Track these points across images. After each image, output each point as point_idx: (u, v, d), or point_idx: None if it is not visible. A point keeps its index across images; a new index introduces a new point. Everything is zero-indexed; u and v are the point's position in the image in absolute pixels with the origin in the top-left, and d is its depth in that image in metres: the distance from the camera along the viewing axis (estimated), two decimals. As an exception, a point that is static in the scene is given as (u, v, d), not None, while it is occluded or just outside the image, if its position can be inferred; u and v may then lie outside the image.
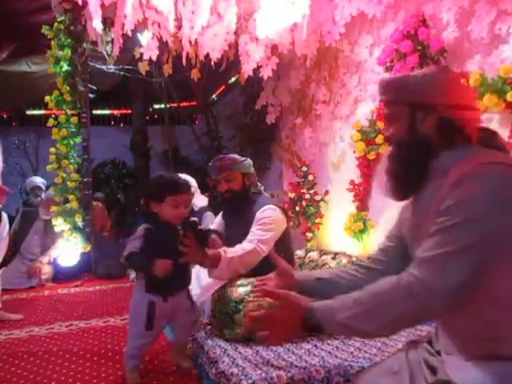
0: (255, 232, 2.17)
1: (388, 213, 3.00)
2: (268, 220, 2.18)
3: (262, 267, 2.07)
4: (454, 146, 1.05)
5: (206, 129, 6.58)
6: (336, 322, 1.00)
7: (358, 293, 1.02)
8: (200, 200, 3.73)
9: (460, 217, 0.93)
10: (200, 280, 2.45)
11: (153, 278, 1.67)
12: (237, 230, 2.35)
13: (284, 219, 2.27)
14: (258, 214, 2.22)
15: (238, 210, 2.36)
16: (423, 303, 0.93)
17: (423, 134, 1.07)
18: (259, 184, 2.45)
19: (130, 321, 1.86)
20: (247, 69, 3.40)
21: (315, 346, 1.74)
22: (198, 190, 3.84)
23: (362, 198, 3.52)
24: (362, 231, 3.39)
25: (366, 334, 1.05)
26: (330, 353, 1.63)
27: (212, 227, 2.50)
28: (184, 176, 3.77)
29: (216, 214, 3.71)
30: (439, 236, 0.95)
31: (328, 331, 1.09)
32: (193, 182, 3.73)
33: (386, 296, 0.97)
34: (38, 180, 4.92)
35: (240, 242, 2.22)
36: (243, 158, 2.34)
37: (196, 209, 3.64)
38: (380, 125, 3.22)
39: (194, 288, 2.43)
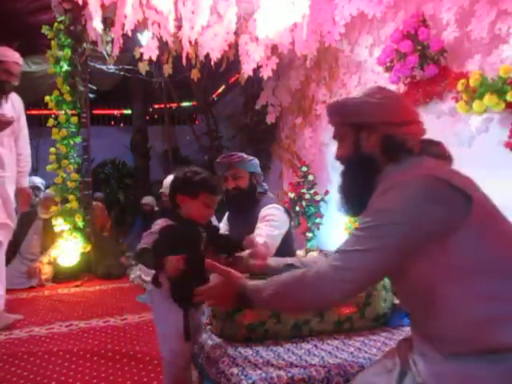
0: (263, 228, 2.14)
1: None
2: (274, 217, 2.17)
3: None
4: (397, 160, 1.11)
5: (206, 129, 6.58)
6: (260, 298, 1.18)
7: (285, 275, 1.15)
8: None
9: (374, 221, 1.02)
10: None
11: (177, 284, 1.52)
12: (241, 229, 2.33)
13: (287, 219, 2.27)
14: (263, 211, 2.20)
15: (243, 209, 2.34)
16: (325, 293, 1.06)
17: (367, 152, 1.15)
18: (264, 184, 2.46)
19: (164, 337, 1.67)
20: (247, 69, 3.40)
21: (315, 345, 1.74)
22: None
23: (361, 197, 3.51)
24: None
25: (286, 311, 1.30)
26: (329, 353, 1.63)
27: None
28: None
29: (216, 214, 3.72)
30: (353, 237, 1.06)
31: (256, 306, 1.25)
32: None
33: (300, 279, 1.10)
34: (37, 180, 4.92)
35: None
36: (251, 157, 2.33)
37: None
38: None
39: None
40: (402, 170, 1.08)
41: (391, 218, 1.00)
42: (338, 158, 1.24)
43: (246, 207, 2.31)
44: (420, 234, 0.98)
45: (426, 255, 0.98)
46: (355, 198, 1.18)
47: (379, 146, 1.13)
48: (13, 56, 2.80)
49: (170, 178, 3.75)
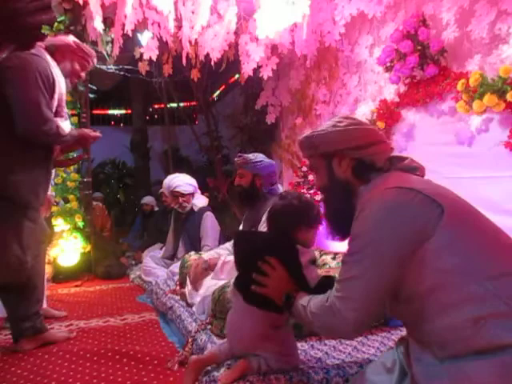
0: None
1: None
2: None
3: None
4: (368, 180, 1.18)
5: (206, 129, 6.59)
6: (298, 312, 1.23)
7: (316, 302, 1.18)
8: (200, 200, 3.73)
9: (354, 247, 1.07)
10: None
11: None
12: (247, 226, 2.53)
13: None
14: (265, 216, 2.27)
15: (246, 206, 2.55)
16: (336, 325, 1.08)
17: (341, 177, 1.22)
18: (278, 185, 2.51)
19: None
20: (247, 69, 3.41)
21: (312, 346, 1.74)
22: (199, 191, 3.85)
23: (361, 198, 3.52)
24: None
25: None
26: (326, 353, 1.63)
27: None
28: (184, 176, 3.79)
29: (216, 214, 3.73)
30: (343, 265, 1.11)
31: (293, 315, 1.30)
32: (193, 181, 3.74)
33: (318, 307, 1.15)
34: None
35: None
36: (258, 160, 2.44)
37: (196, 209, 3.64)
38: (380, 125, 3.22)
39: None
40: (371, 188, 1.15)
41: (366, 240, 1.05)
42: (318, 188, 1.33)
43: (247, 204, 2.51)
44: (400, 245, 1.01)
45: (409, 265, 1.02)
46: (339, 223, 1.24)
47: (351, 169, 1.20)
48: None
49: (170, 177, 3.76)
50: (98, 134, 2.43)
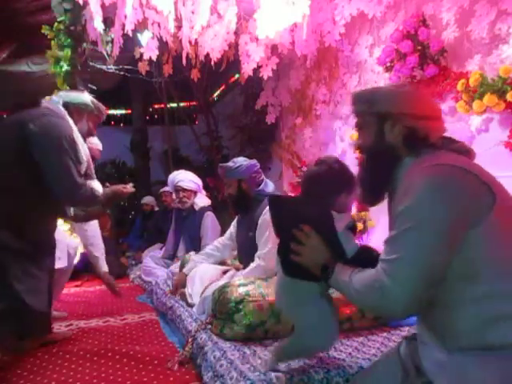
0: (259, 246, 2.32)
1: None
2: (265, 227, 2.27)
3: None
4: (418, 153, 1.12)
5: (205, 129, 6.58)
6: (340, 281, 1.17)
7: (363, 275, 1.11)
8: (202, 200, 3.73)
9: (406, 223, 1.00)
10: (201, 278, 2.47)
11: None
12: (242, 231, 2.54)
13: None
14: (260, 220, 2.29)
15: (240, 212, 2.56)
16: (386, 305, 1.03)
17: (390, 142, 1.15)
18: (268, 182, 2.50)
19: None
20: (247, 69, 3.40)
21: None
22: (203, 191, 3.85)
23: (361, 198, 3.52)
24: (361, 231, 3.39)
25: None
26: (327, 353, 1.63)
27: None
28: (188, 173, 3.79)
29: (216, 214, 3.73)
30: (393, 243, 1.04)
31: (332, 284, 1.23)
32: (197, 180, 3.74)
33: (363, 283, 1.09)
34: None
35: (245, 243, 2.45)
36: (237, 165, 2.42)
37: (197, 208, 3.64)
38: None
39: (196, 286, 2.44)
40: (421, 162, 1.07)
41: (419, 216, 0.99)
42: (359, 146, 1.24)
43: (241, 210, 2.53)
44: (453, 225, 0.97)
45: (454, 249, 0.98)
46: (373, 188, 1.20)
47: (402, 137, 1.13)
48: (96, 143, 3.11)
49: (175, 173, 3.77)
50: (130, 189, 2.41)
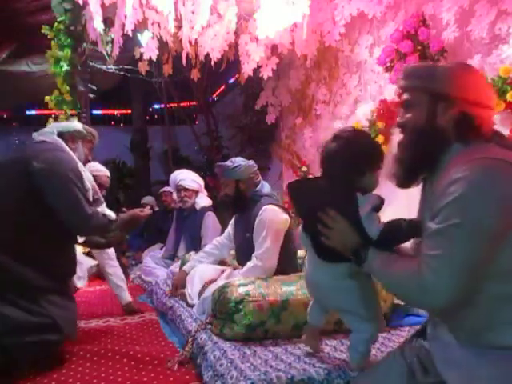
0: (257, 245, 2.29)
1: (388, 213, 3.00)
2: (264, 225, 2.26)
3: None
4: (467, 142, 1.06)
5: (206, 129, 6.58)
6: (374, 266, 1.15)
7: (403, 262, 1.10)
8: (203, 199, 3.73)
9: (457, 218, 0.95)
10: (201, 278, 2.47)
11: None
12: (239, 231, 2.53)
13: (284, 218, 2.30)
14: (258, 217, 2.28)
15: (237, 212, 2.54)
16: (427, 300, 1.01)
17: (441, 125, 1.07)
18: (262, 184, 2.48)
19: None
20: (247, 69, 3.40)
21: (315, 346, 1.74)
22: (205, 192, 3.85)
23: (361, 198, 3.52)
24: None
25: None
26: (328, 353, 1.63)
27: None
28: (190, 172, 3.79)
29: (217, 214, 3.73)
30: (440, 236, 0.98)
31: (365, 268, 1.19)
32: (199, 180, 3.74)
33: (403, 274, 1.06)
34: None
35: (242, 244, 2.44)
36: (235, 165, 2.40)
37: (198, 207, 3.64)
38: (380, 125, 3.22)
39: (196, 286, 2.44)
40: (471, 152, 1.01)
41: (468, 210, 0.94)
42: (402, 125, 1.15)
43: (238, 210, 2.51)
44: (502, 221, 0.94)
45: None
46: (413, 170, 1.14)
47: (454, 122, 1.07)
48: (103, 171, 3.16)
49: (177, 172, 3.77)
50: (147, 211, 2.38)
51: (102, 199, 2.33)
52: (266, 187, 2.50)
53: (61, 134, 2.21)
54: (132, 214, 2.32)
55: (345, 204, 1.25)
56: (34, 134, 2.22)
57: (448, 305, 0.99)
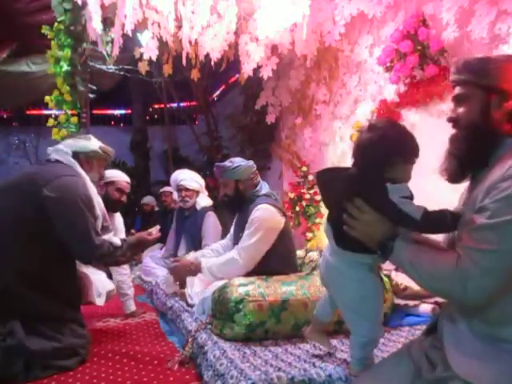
0: (242, 238, 2.29)
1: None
2: (255, 223, 2.25)
3: (263, 266, 2.22)
4: None
5: (205, 129, 6.58)
6: (402, 258, 1.11)
7: (434, 253, 1.08)
8: (204, 199, 3.72)
9: (508, 215, 0.93)
10: (201, 279, 2.47)
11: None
12: (236, 231, 2.54)
13: (278, 219, 2.29)
14: (251, 215, 2.27)
15: (236, 212, 2.53)
16: (463, 294, 0.98)
17: (495, 119, 1.06)
18: (261, 185, 2.47)
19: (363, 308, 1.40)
20: (247, 69, 3.40)
21: (314, 345, 1.74)
22: (206, 192, 3.85)
23: (361, 198, 3.52)
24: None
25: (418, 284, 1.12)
26: (329, 353, 1.63)
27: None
28: (191, 172, 3.79)
29: (217, 214, 3.73)
30: (490, 230, 0.96)
31: (392, 260, 1.16)
32: (199, 180, 3.74)
33: (440, 266, 1.03)
34: None
35: (237, 243, 2.39)
36: (235, 166, 2.39)
37: (198, 207, 3.64)
38: (380, 125, 3.22)
39: (196, 286, 2.44)
40: None
41: None
42: (455, 120, 1.14)
43: (237, 211, 2.50)
44: None
45: None
46: (465, 165, 1.11)
47: (508, 116, 1.05)
48: (122, 176, 3.03)
49: (178, 171, 3.77)
50: (156, 233, 2.33)
51: (111, 227, 2.30)
52: (264, 187, 2.49)
53: (76, 154, 2.18)
54: (139, 238, 2.29)
55: (373, 193, 1.22)
56: (49, 150, 2.19)
57: (488, 301, 0.97)
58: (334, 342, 1.77)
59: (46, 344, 1.87)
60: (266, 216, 2.26)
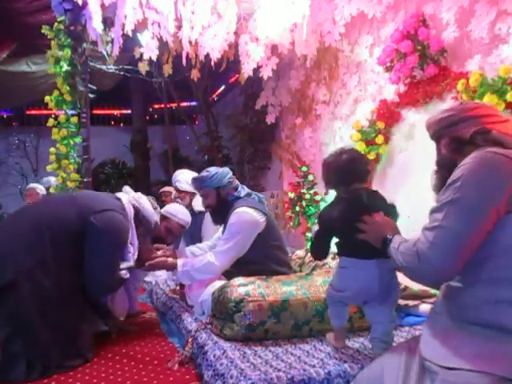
0: (219, 243, 2.30)
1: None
2: (230, 227, 2.25)
3: (253, 267, 2.21)
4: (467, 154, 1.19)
5: (205, 129, 6.58)
6: (392, 250, 1.30)
7: (404, 243, 1.27)
8: (200, 202, 3.71)
9: (452, 195, 1.11)
10: (192, 278, 2.46)
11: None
12: (222, 232, 2.48)
13: (256, 219, 2.27)
14: (229, 221, 2.29)
15: (222, 221, 2.47)
16: (421, 269, 1.15)
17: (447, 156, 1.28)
18: (241, 188, 2.45)
19: None
20: (247, 69, 3.41)
21: (314, 346, 1.74)
22: None
23: (362, 198, 3.52)
24: (361, 231, 3.39)
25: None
26: (329, 354, 1.63)
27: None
28: (188, 174, 3.78)
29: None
30: (437, 211, 1.14)
31: (388, 254, 1.34)
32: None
33: (407, 245, 1.23)
34: (53, 180, 4.92)
35: None
36: (212, 174, 2.38)
37: (195, 210, 3.63)
38: (380, 125, 3.22)
39: (195, 286, 2.44)
40: (479, 150, 1.17)
41: (461, 188, 1.09)
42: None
43: (222, 219, 2.43)
44: (492, 201, 1.05)
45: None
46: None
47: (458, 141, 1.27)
48: (180, 218, 2.71)
49: (177, 172, 3.76)
50: (173, 261, 2.37)
51: (131, 261, 2.30)
52: (244, 189, 2.48)
53: (136, 209, 2.34)
54: (158, 263, 2.37)
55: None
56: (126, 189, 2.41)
57: (438, 274, 1.13)
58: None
59: (49, 343, 1.89)
60: (242, 220, 2.24)
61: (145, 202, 2.43)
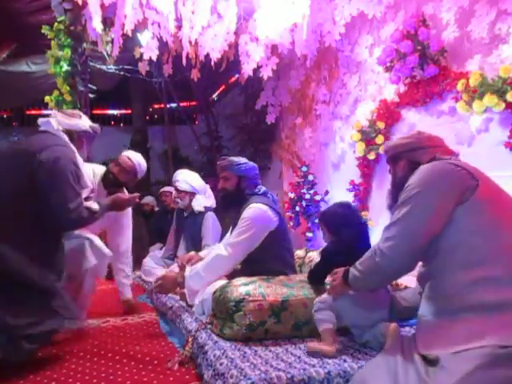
0: (231, 235, 2.29)
1: (388, 212, 3.01)
2: (245, 221, 2.24)
3: (258, 265, 2.20)
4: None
5: (206, 129, 6.58)
6: (351, 274, 1.51)
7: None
8: (200, 202, 3.71)
9: (405, 195, 1.32)
10: (202, 278, 2.46)
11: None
12: (232, 228, 2.47)
13: (270, 217, 2.27)
14: (243, 214, 2.27)
15: (231, 209, 2.50)
16: (380, 264, 1.35)
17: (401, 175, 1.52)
18: (260, 186, 2.46)
19: None
20: (247, 69, 3.41)
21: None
22: (209, 192, 3.83)
23: (361, 198, 3.52)
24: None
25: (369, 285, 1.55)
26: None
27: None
28: (187, 174, 3.78)
29: (217, 214, 3.72)
30: (392, 215, 1.37)
31: (350, 284, 1.54)
32: (195, 182, 3.71)
33: (363, 259, 1.46)
34: None
35: None
36: (242, 162, 2.40)
37: (195, 210, 3.63)
38: (380, 125, 3.22)
39: (196, 286, 2.43)
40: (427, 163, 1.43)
41: (415, 189, 1.30)
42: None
43: (232, 207, 2.45)
44: (442, 199, 1.26)
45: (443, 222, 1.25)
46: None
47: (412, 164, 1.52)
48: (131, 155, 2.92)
49: (178, 172, 3.76)
50: (134, 195, 2.45)
51: (90, 186, 2.34)
52: (262, 190, 2.48)
53: (68, 132, 2.22)
54: (115, 199, 2.37)
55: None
56: (40, 121, 2.22)
57: (402, 266, 1.34)
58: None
59: (22, 313, 1.87)
60: (256, 215, 2.24)
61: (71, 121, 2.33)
